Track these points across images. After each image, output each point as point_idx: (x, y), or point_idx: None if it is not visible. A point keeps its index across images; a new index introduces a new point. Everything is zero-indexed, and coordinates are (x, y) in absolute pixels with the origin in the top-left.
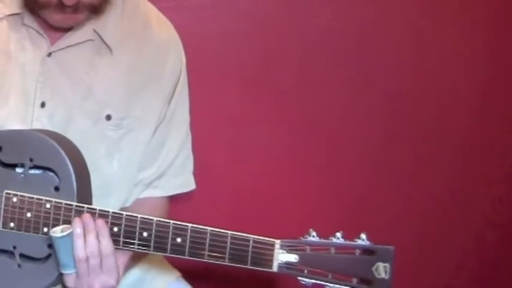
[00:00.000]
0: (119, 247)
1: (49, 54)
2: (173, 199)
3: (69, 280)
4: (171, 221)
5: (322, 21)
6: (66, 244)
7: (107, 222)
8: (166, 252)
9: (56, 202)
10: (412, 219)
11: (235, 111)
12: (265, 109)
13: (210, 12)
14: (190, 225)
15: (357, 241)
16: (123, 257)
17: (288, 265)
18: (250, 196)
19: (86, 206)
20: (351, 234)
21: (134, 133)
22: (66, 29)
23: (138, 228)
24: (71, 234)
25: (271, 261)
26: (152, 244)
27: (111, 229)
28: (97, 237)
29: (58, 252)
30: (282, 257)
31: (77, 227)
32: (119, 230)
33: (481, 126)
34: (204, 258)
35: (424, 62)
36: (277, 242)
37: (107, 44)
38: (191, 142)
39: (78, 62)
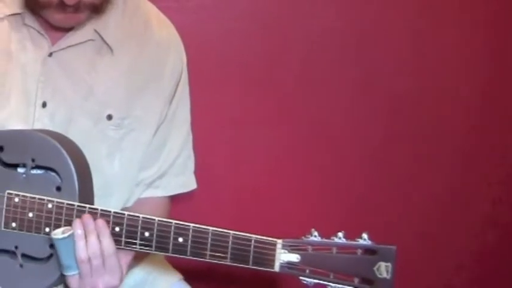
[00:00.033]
0: (120, 247)
1: (50, 54)
2: (174, 199)
3: (73, 281)
4: (173, 221)
5: (324, 21)
6: (67, 245)
7: (107, 222)
8: (168, 252)
9: (57, 202)
10: (413, 219)
11: (237, 111)
12: (267, 109)
13: (211, 13)
14: (192, 225)
15: (358, 241)
16: (126, 257)
17: (289, 265)
18: (251, 196)
19: (87, 206)
20: (352, 234)
21: (135, 133)
22: (67, 29)
23: (140, 228)
24: (72, 236)
25: (273, 261)
26: (154, 244)
27: (113, 229)
28: (98, 237)
29: (60, 254)
30: (283, 256)
31: (77, 228)
32: (121, 230)
33: (481, 126)
34: (205, 258)
35: (425, 63)
36: (279, 241)
37: (107, 44)
38: (192, 142)
39: (79, 62)
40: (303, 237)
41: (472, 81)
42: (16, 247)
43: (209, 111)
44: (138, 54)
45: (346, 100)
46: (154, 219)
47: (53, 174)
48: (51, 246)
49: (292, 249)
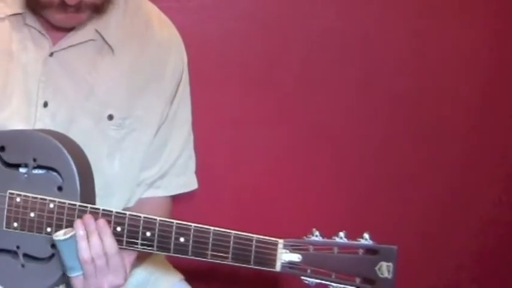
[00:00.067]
0: (122, 247)
1: (51, 54)
2: (176, 199)
3: (77, 283)
4: (174, 221)
5: (324, 21)
6: (70, 247)
7: (109, 221)
8: (169, 252)
9: (59, 202)
10: (414, 218)
11: (237, 112)
12: (267, 109)
13: (212, 13)
14: (193, 224)
15: (360, 241)
16: (130, 256)
17: (291, 265)
18: (253, 196)
19: (89, 205)
20: (354, 234)
21: (136, 133)
22: (68, 29)
23: (141, 228)
24: (73, 236)
25: (275, 260)
26: (155, 244)
27: (114, 229)
28: (100, 237)
29: (63, 256)
30: (285, 256)
31: (79, 229)
32: (122, 229)
33: (481, 126)
34: (207, 258)
35: (425, 63)
36: (281, 241)
37: (108, 44)
38: (193, 142)
39: (80, 62)
40: (304, 237)
41: (472, 81)
42: (18, 247)
43: (210, 111)
44: (139, 54)
45: (347, 100)
46: (155, 219)
47: (55, 174)
48: (53, 246)
49: (293, 249)
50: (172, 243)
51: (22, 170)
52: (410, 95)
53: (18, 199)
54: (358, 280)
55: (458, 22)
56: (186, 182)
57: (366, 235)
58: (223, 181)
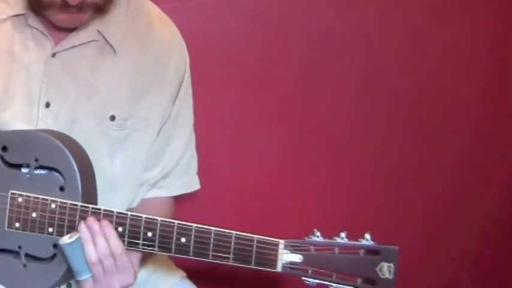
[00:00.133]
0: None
1: (53, 55)
2: (177, 199)
3: (87, 286)
4: (176, 221)
5: (324, 21)
6: (76, 250)
7: (110, 222)
8: (170, 252)
9: (61, 202)
10: (414, 219)
11: (238, 112)
12: (268, 109)
13: (213, 13)
14: (194, 225)
15: (361, 241)
16: (136, 254)
17: (292, 265)
18: (254, 196)
19: (90, 206)
20: (355, 234)
21: (138, 133)
22: (70, 30)
23: (142, 228)
24: (79, 239)
25: (276, 261)
26: (157, 244)
27: (116, 229)
28: (105, 238)
29: (70, 260)
30: (286, 257)
31: (83, 231)
32: (124, 230)
33: (481, 126)
34: (208, 258)
35: (425, 63)
36: (281, 242)
37: (110, 45)
38: (195, 142)
39: (82, 63)
40: (305, 238)
41: (472, 81)
42: (19, 247)
43: (211, 112)
44: (141, 55)
45: (347, 100)
46: (157, 220)
47: (56, 174)
48: (55, 246)
49: (294, 249)
50: (173, 244)
51: (24, 170)
52: (410, 95)
53: (20, 199)
54: (359, 281)
55: (458, 22)
56: (189, 182)
57: (367, 235)
58: (224, 181)
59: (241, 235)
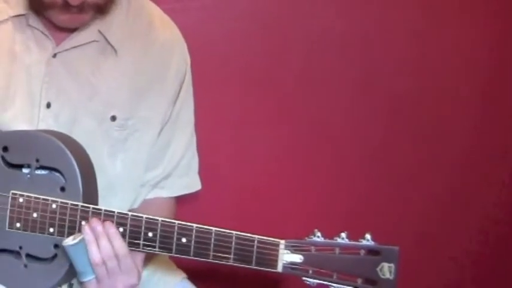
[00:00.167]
0: None
1: (54, 55)
2: (178, 199)
3: (91, 287)
4: (176, 221)
5: (325, 21)
6: (80, 251)
7: (112, 222)
8: (171, 252)
9: (61, 202)
10: (415, 219)
11: (239, 112)
12: (269, 110)
13: (213, 13)
14: (195, 225)
15: (361, 241)
16: (140, 254)
17: (292, 265)
18: (254, 196)
19: (91, 206)
20: (355, 235)
21: (139, 134)
22: (71, 30)
23: (143, 228)
24: (82, 240)
25: (276, 261)
26: (157, 244)
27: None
28: (109, 240)
29: (74, 261)
30: (286, 257)
31: (87, 233)
32: (125, 230)
33: (481, 126)
34: (209, 259)
35: (425, 63)
36: (282, 242)
37: (111, 45)
38: (196, 143)
39: (83, 63)
40: (306, 238)
41: (472, 81)
42: (20, 247)
43: (211, 112)
44: (142, 55)
45: (347, 100)
46: (157, 220)
47: (57, 174)
48: (56, 246)
49: (295, 249)
50: (174, 244)
51: (25, 170)
52: (410, 95)
53: (21, 199)
54: (359, 281)
55: (458, 22)
56: (190, 182)
57: (368, 236)
58: (225, 181)
59: (241, 235)
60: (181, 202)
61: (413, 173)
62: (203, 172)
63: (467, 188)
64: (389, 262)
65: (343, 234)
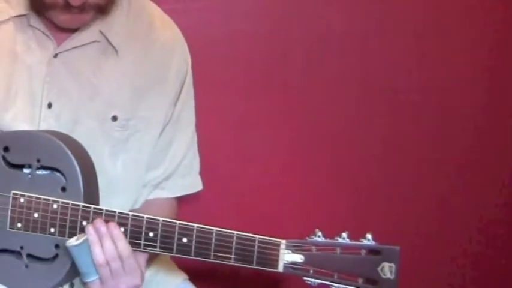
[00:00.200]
0: None
1: (55, 55)
2: (180, 200)
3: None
4: (177, 221)
5: (328, 22)
6: (83, 252)
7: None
8: (172, 252)
9: (62, 202)
10: (416, 219)
11: (240, 112)
12: (270, 110)
13: (214, 14)
14: (196, 225)
15: (362, 241)
16: (143, 255)
17: (293, 265)
18: (256, 196)
19: (92, 206)
20: (356, 235)
21: (140, 134)
22: (73, 30)
23: (144, 228)
24: (86, 241)
25: (277, 261)
26: (158, 244)
27: None
28: (113, 241)
29: (77, 261)
30: (287, 257)
31: (90, 234)
32: (125, 230)
33: (482, 126)
34: (210, 258)
35: (428, 63)
36: (283, 242)
37: (112, 45)
38: (197, 143)
39: (84, 63)
40: (306, 238)
41: (472, 81)
42: (21, 247)
43: (213, 112)
44: (143, 56)
45: (351, 101)
46: (158, 220)
47: (58, 174)
48: (57, 246)
49: (296, 249)
50: (175, 244)
51: (26, 170)
52: (410, 95)
53: (21, 199)
54: (360, 280)
55: (458, 22)
56: (191, 183)
57: (369, 236)
58: (226, 182)
59: (242, 235)
60: (183, 202)
61: (414, 173)
62: (204, 172)
63: (467, 188)
64: (390, 262)
65: (344, 234)
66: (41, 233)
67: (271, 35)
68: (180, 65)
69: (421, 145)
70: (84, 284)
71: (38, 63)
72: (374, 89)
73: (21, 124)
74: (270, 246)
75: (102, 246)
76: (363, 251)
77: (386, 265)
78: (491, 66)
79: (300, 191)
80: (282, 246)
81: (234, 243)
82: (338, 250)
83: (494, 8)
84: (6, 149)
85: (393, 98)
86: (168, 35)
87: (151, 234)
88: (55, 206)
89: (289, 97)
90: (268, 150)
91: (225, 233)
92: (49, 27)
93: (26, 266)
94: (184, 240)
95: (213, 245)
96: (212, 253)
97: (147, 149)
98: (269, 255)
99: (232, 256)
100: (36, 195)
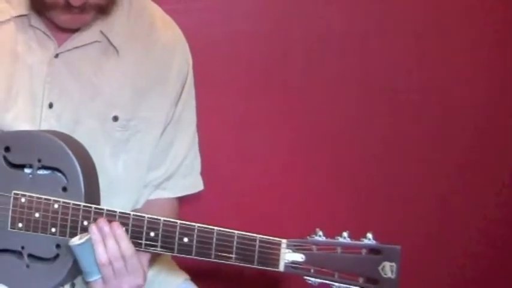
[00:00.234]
0: None
1: (56, 56)
2: (181, 200)
3: (97, 287)
4: (178, 221)
5: (329, 22)
6: (86, 251)
7: (121, 223)
8: (173, 252)
9: (63, 202)
10: (417, 218)
11: (241, 113)
12: (272, 110)
13: (215, 14)
14: (197, 225)
15: (363, 240)
16: (146, 255)
17: (294, 264)
18: (256, 196)
19: (93, 206)
20: (357, 234)
21: (141, 134)
22: (73, 30)
23: (145, 228)
24: (89, 240)
25: (278, 260)
26: (159, 244)
27: None
28: (116, 240)
29: (80, 261)
30: (288, 256)
31: (94, 233)
32: (127, 230)
33: (482, 126)
34: (210, 258)
35: (428, 63)
36: (284, 241)
37: (113, 46)
38: (198, 143)
39: (85, 63)
40: (307, 237)
41: (472, 81)
42: (22, 247)
43: (214, 112)
44: (144, 56)
45: (351, 101)
46: (159, 219)
47: (59, 174)
48: (58, 246)
49: (296, 248)
50: (176, 243)
51: (27, 170)
52: (410, 95)
53: (23, 199)
54: (361, 280)
55: (458, 22)
56: (192, 183)
57: (369, 235)
58: (227, 182)
59: (243, 235)
60: (184, 202)
61: (414, 173)
62: (205, 172)
63: (467, 188)
64: (391, 261)
65: (344, 234)
66: (42, 233)
67: (272, 35)
68: (181, 65)
69: (421, 145)
70: (87, 283)
71: (39, 63)
72: (374, 89)
73: (22, 124)
74: (270, 246)
75: (105, 245)
76: (364, 251)
77: (387, 264)
78: (491, 66)
79: (301, 191)
80: (283, 245)
81: (235, 242)
82: (339, 249)
83: (494, 8)
84: (7, 149)
85: (393, 98)
86: (169, 35)
87: (152, 234)
88: (56, 206)
89: (289, 97)
90: (269, 150)
91: (226, 233)
92: (50, 28)
93: (27, 266)
94: (186, 240)
95: (214, 245)
96: (213, 253)
97: (148, 149)
98: (270, 255)
99: (233, 256)
100: (37, 195)
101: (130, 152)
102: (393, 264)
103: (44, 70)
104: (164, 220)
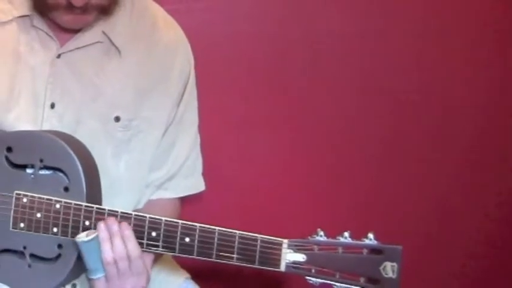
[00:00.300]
0: None
1: (58, 56)
2: (182, 200)
3: (99, 285)
4: (180, 221)
5: (330, 23)
6: (92, 248)
7: (130, 224)
8: (175, 252)
9: (65, 202)
10: (419, 218)
11: (243, 113)
12: (273, 110)
13: (216, 15)
14: (198, 225)
15: (364, 241)
16: (149, 256)
17: (295, 264)
18: (258, 196)
19: (95, 206)
20: (358, 234)
21: (143, 135)
22: (76, 31)
23: (147, 228)
24: (96, 238)
25: (279, 260)
26: (161, 244)
27: None
28: (123, 240)
29: (85, 257)
30: (289, 256)
31: (102, 230)
32: None
33: (482, 126)
34: (212, 258)
35: (428, 63)
36: (285, 241)
37: (115, 46)
38: (200, 143)
39: (87, 64)
40: (309, 237)
41: (473, 81)
42: (24, 247)
43: (216, 113)
44: (146, 56)
45: (353, 101)
46: (161, 219)
47: (61, 174)
48: (59, 246)
49: (298, 248)
50: (177, 243)
51: (29, 170)
52: (411, 95)
53: (24, 199)
54: (362, 280)
55: (458, 22)
56: (194, 183)
57: (371, 235)
58: (229, 182)
59: (245, 235)
60: (185, 202)
61: (415, 173)
62: (207, 172)
63: (470, 188)
64: (392, 261)
65: (346, 234)
66: (43, 233)
67: (273, 36)
68: (183, 65)
69: (421, 145)
70: (89, 280)
71: (41, 64)
72: (374, 89)
73: (24, 124)
74: (272, 246)
75: (112, 244)
76: (365, 251)
77: (388, 264)
78: (491, 66)
79: (302, 191)
80: (284, 245)
81: (236, 242)
82: (340, 249)
83: (494, 8)
84: (9, 149)
85: (393, 98)
86: (171, 35)
87: (154, 233)
88: (58, 206)
89: (291, 98)
90: (270, 151)
91: (227, 233)
92: (52, 28)
93: (29, 266)
94: (187, 239)
95: (215, 245)
96: (214, 253)
97: (149, 149)
98: (271, 255)
99: (235, 256)
100: (39, 195)
101: (132, 152)
102: (394, 264)
103: (46, 70)
104: (166, 220)
